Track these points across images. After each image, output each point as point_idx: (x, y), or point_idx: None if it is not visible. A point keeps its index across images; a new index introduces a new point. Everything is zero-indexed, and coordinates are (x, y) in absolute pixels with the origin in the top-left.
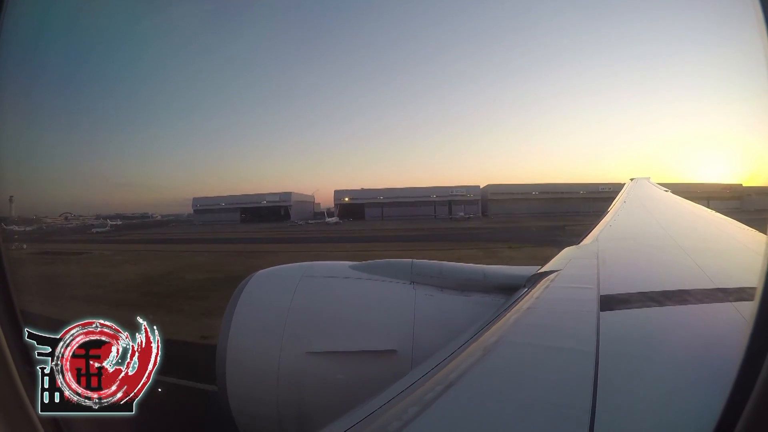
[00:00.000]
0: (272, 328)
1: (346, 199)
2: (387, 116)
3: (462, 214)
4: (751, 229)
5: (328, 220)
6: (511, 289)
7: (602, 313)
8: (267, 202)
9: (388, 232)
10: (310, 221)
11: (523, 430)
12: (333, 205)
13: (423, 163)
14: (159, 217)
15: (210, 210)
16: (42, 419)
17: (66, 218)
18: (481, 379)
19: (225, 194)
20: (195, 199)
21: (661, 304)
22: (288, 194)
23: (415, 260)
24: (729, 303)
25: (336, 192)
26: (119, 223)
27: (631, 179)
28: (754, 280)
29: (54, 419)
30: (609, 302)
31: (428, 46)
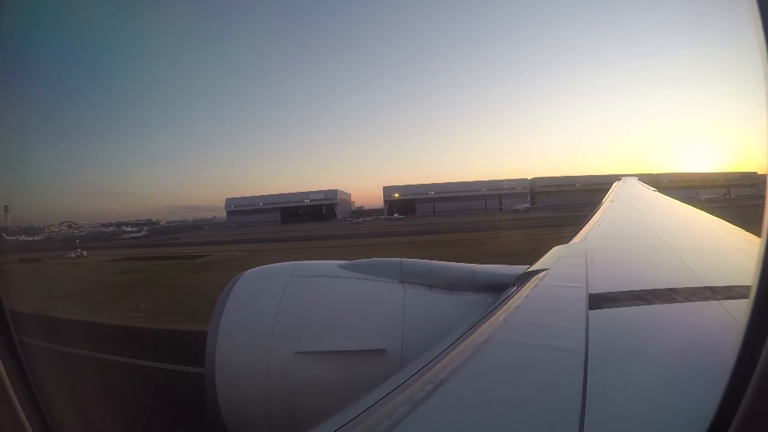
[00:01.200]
0: (261, 328)
1: (396, 195)
2: (409, 112)
3: (527, 205)
4: (738, 228)
5: (396, 215)
6: (500, 288)
7: (591, 312)
8: (311, 200)
9: (478, 224)
10: (367, 218)
11: (513, 429)
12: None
13: (443, 157)
14: (165, 223)
15: (246, 211)
16: (28, 415)
17: (69, 226)
18: (471, 378)
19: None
20: (228, 200)
21: (649, 302)
22: (334, 192)
23: (404, 259)
24: (717, 301)
25: (385, 188)
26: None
27: (619, 179)
28: (741, 279)
29: (41, 415)
30: (597, 301)
31: (463, 44)
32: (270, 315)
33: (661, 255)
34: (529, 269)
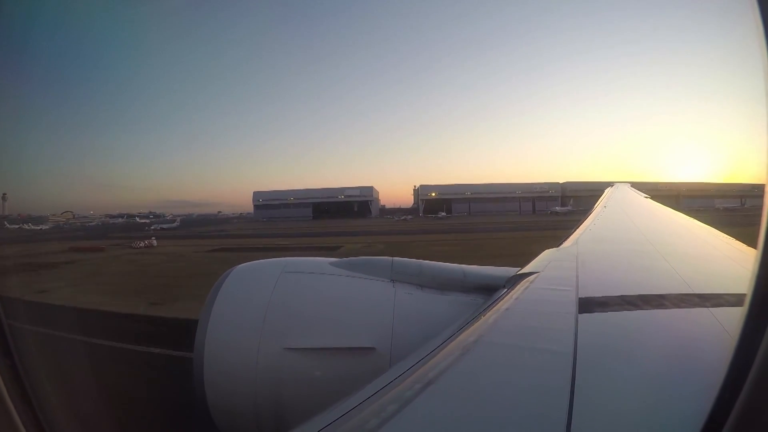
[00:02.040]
0: (251, 322)
1: (433, 194)
2: (428, 111)
3: (569, 207)
4: (728, 236)
5: (442, 214)
6: (490, 290)
7: (580, 316)
8: (345, 196)
9: (545, 224)
10: (408, 216)
11: (500, 429)
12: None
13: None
14: (171, 216)
15: (274, 205)
16: (21, 413)
17: (74, 216)
18: (460, 378)
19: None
20: (256, 193)
21: (638, 307)
22: (369, 189)
23: (395, 258)
24: (705, 308)
25: (422, 187)
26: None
27: (612, 185)
28: (730, 287)
29: (33, 413)
30: (587, 305)
31: (494, 45)
32: (260, 310)
33: (651, 261)
34: (520, 272)
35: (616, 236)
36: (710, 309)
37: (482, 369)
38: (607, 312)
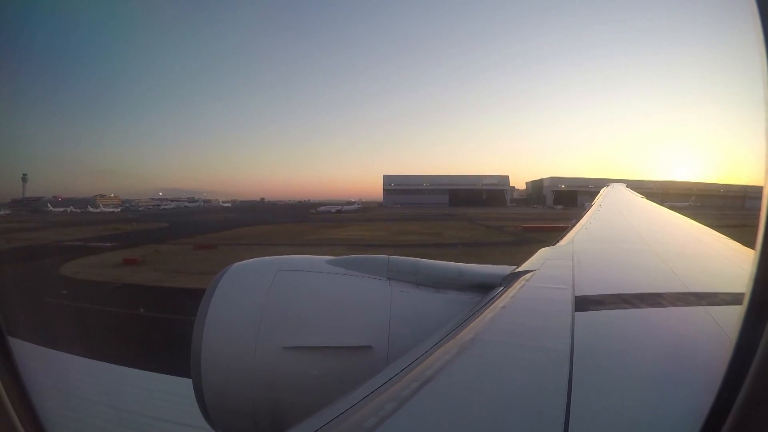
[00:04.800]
0: (247, 321)
1: (563, 186)
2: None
3: (690, 202)
4: (723, 236)
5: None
6: (486, 288)
7: (577, 314)
8: (483, 184)
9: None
10: (557, 206)
11: (498, 427)
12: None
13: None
14: (222, 202)
15: (406, 190)
16: (18, 411)
17: (120, 200)
18: (457, 376)
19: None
20: (386, 177)
21: (634, 305)
22: (506, 177)
23: (391, 256)
24: (701, 306)
25: (551, 179)
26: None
27: (607, 185)
28: (726, 286)
29: (32, 410)
30: (583, 303)
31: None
32: (257, 309)
33: (647, 259)
34: (516, 270)
35: (612, 235)
36: (706, 308)
37: (479, 367)
38: (603, 310)
